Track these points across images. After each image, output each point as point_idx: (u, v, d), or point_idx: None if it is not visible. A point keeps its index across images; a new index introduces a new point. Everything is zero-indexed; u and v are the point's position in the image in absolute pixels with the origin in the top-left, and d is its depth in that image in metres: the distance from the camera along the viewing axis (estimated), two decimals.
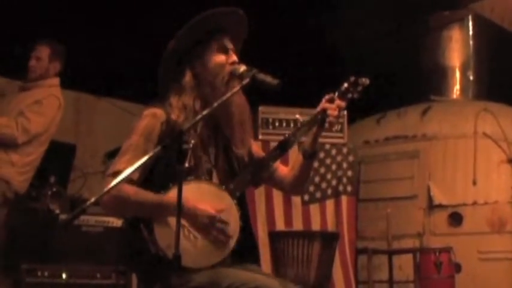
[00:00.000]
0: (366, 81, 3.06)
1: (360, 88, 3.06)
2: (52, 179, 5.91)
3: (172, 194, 2.69)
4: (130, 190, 2.76)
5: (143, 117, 2.94)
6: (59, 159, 6.35)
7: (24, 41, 5.72)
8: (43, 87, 5.44)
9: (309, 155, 3.09)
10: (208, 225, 2.76)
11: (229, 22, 3.07)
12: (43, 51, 5.46)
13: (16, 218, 5.67)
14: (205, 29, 3.01)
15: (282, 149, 3.02)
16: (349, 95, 3.05)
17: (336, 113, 3.00)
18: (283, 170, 3.18)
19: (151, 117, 2.92)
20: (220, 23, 3.04)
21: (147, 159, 2.52)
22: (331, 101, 3.02)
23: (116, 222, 5.59)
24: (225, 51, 3.02)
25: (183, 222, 2.62)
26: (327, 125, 3.03)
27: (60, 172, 6.18)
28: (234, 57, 3.03)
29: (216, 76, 2.96)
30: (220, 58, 3.00)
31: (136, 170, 2.64)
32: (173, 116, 2.90)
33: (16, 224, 5.70)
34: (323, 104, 3.03)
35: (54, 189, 5.78)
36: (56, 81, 5.54)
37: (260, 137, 6.46)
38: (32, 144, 5.31)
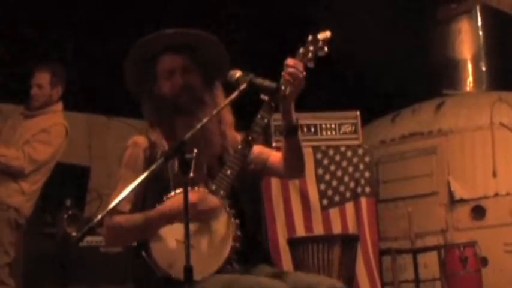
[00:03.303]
0: (324, 33, 2.92)
1: (320, 44, 2.90)
2: (68, 203, 5.92)
3: (157, 208, 2.71)
4: (121, 218, 2.79)
5: (127, 147, 2.95)
6: (73, 182, 6.37)
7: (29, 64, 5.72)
8: (48, 113, 5.37)
9: (288, 132, 2.91)
10: (195, 213, 2.66)
11: (164, 43, 2.96)
12: (43, 78, 5.35)
13: (34, 245, 5.68)
14: (143, 57, 2.95)
15: (246, 145, 2.84)
16: (310, 55, 2.88)
17: (289, 74, 2.81)
18: (277, 156, 3.05)
19: (133, 147, 2.93)
20: (155, 48, 2.95)
21: (138, 187, 2.44)
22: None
23: None
24: (169, 75, 2.93)
25: (176, 236, 2.57)
26: (283, 88, 2.80)
27: (75, 195, 6.18)
28: (178, 81, 2.91)
29: (171, 102, 2.90)
30: (167, 85, 2.92)
31: (127, 201, 2.70)
32: (152, 138, 2.90)
33: (34, 251, 5.70)
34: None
35: (71, 213, 5.79)
36: (60, 106, 5.46)
37: (274, 144, 6.41)
38: (39, 172, 5.26)
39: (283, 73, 2.84)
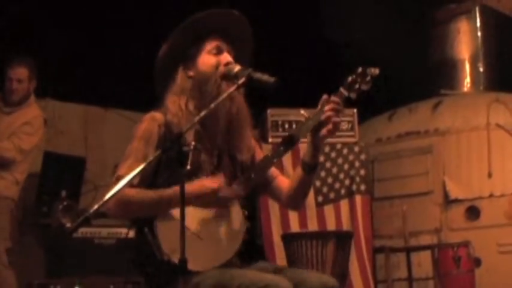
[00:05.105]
0: (375, 70, 2.91)
1: (368, 78, 2.90)
2: (63, 193, 5.94)
3: (174, 188, 2.69)
4: (132, 191, 2.76)
5: (142, 121, 2.95)
6: (69, 173, 6.37)
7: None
8: (26, 107, 5.66)
9: (309, 169, 2.95)
10: (216, 198, 2.75)
11: (224, 23, 3.01)
12: (23, 73, 5.61)
13: (29, 236, 5.74)
14: (198, 30, 2.97)
15: (287, 145, 2.91)
16: (357, 86, 2.90)
17: (333, 117, 2.89)
18: (283, 181, 3.09)
19: (150, 121, 2.93)
20: (213, 25, 2.99)
21: (148, 164, 2.49)
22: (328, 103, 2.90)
23: (130, 233, 5.55)
24: (218, 52, 2.97)
25: (187, 223, 2.55)
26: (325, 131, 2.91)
27: (71, 186, 6.18)
28: (228, 58, 2.97)
29: (208, 79, 2.93)
30: (212, 60, 2.96)
31: (137, 174, 2.62)
32: (169, 117, 2.89)
33: (30, 241, 5.74)
34: (321, 103, 2.92)
35: (66, 203, 5.81)
36: (33, 98, 5.76)
37: (270, 140, 6.40)
38: (26, 161, 5.59)
39: (331, 119, 2.89)
